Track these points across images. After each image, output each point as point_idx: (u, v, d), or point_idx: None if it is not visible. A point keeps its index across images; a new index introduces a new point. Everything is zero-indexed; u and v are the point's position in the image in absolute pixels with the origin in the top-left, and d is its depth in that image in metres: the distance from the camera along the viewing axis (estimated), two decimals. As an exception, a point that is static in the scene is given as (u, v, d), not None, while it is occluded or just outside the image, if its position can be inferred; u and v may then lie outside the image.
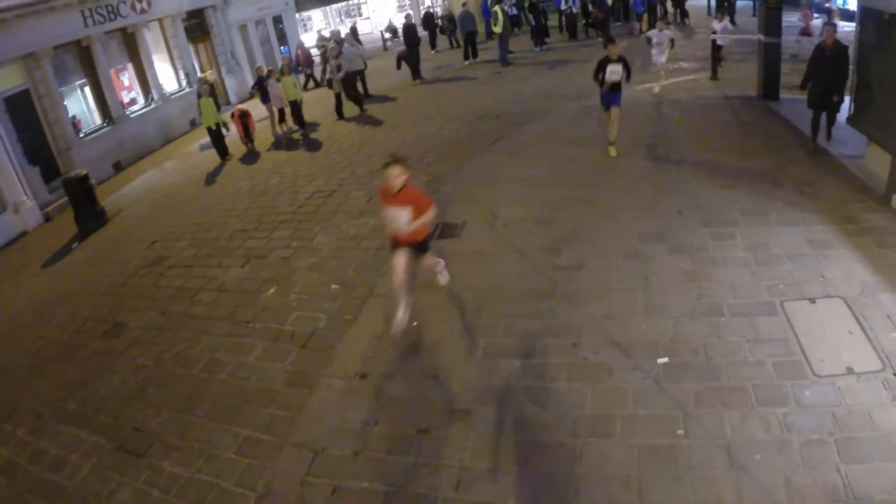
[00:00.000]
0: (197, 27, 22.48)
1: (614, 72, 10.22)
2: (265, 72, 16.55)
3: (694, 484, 4.36)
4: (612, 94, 10.40)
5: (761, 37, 12.77)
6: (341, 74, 17.09)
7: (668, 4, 26.26)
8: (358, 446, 5.31)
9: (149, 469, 5.63)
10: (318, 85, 23.48)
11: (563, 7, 24.40)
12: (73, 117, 16.77)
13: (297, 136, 16.48)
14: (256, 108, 17.50)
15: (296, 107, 16.30)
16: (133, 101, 19.07)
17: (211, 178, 14.57)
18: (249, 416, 6.02)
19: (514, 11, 24.98)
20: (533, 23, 23.45)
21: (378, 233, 9.31)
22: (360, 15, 44.92)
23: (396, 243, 6.64)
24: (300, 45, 27.03)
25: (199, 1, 21.92)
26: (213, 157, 15.85)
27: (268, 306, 7.97)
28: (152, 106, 19.42)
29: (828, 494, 4.09)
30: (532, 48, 23.28)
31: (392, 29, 35.54)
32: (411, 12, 29.07)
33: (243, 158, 15.59)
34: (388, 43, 32.96)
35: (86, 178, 12.98)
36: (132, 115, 18.47)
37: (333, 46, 18.17)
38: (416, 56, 20.99)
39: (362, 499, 4.78)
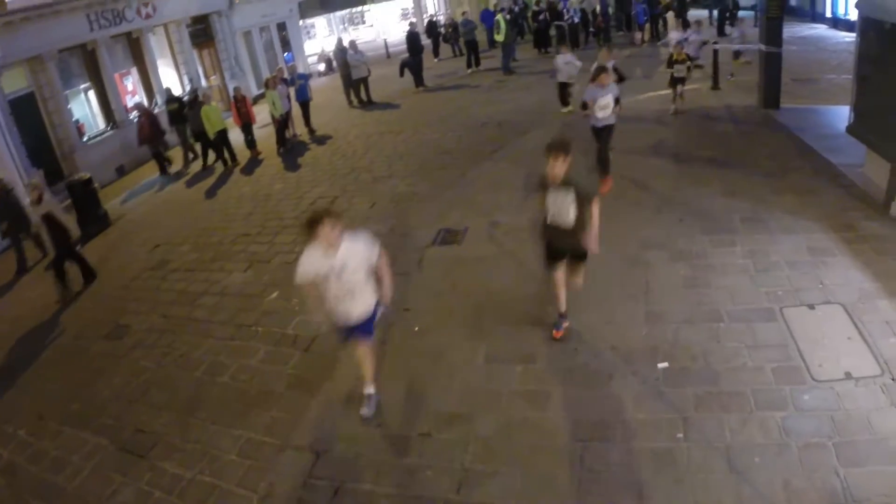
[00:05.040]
0: (202, 33, 22.57)
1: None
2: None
3: (693, 487, 4.38)
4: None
5: (762, 46, 12.85)
6: (43, 210, 9.76)
7: (670, 15, 26.46)
8: (360, 449, 5.34)
9: (151, 470, 5.66)
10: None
11: (564, 18, 24.62)
12: (77, 121, 16.87)
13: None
14: (261, 114, 17.65)
15: (283, 123, 16.16)
16: (137, 106, 19.08)
17: (214, 184, 14.62)
18: (251, 418, 6.05)
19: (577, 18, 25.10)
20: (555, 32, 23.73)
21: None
22: (364, 23, 45.05)
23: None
24: (139, 107, 16.84)
25: (204, 7, 22.01)
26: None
27: (270, 310, 8.02)
28: (156, 111, 19.46)
29: (826, 497, 4.12)
30: (536, 56, 23.54)
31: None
32: (415, 20, 29.19)
33: (246, 164, 15.65)
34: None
35: (89, 181, 13.03)
36: (136, 120, 18.52)
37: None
38: (420, 64, 21.10)
39: (364, 501, 4.80)
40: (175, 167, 16.67)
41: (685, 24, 23.40)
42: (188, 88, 20.37)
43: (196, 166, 16.37)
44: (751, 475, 4.39)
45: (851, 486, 4.17)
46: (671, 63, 13.59)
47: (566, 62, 14.38)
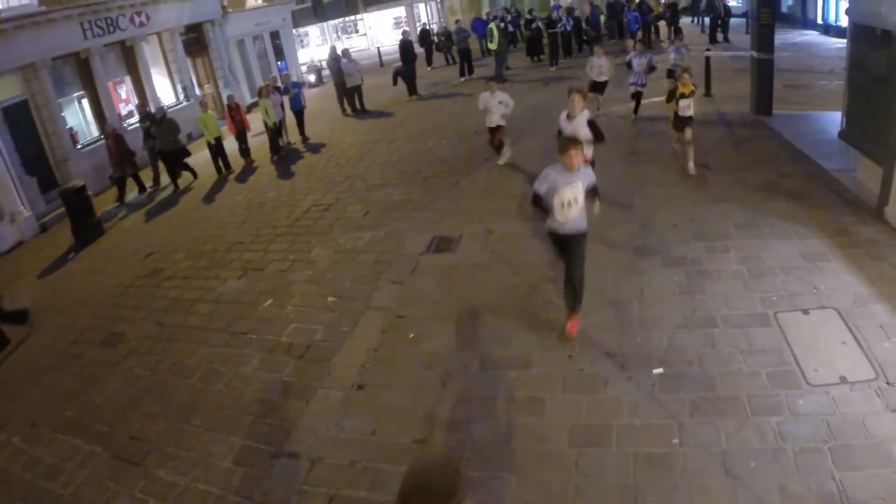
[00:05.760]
0: (195, 41, 22.61)
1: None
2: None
3: (690, 492, 4.38)
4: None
5: (754, 53, 12.92)
6: None
7: (662, 24, 26.63)
8: (355, 456, 5.31)
9: (145, 478, 5.62)
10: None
11: (557, 25, 24.74)
12: (71, 129, 16.84)
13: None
14: (255, 123, 17.63)
15: (276, 131, 16.27)
16: (130, 114, 19.09)
17: (208, 192, 14.61)
18: (246, 425, 6.02)
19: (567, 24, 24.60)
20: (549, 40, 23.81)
21: (374, 246, 9.37)
22: (357, 32, 45.16)
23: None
24: (111, 127, 15.72)
25: (197, 15, 22.04)
26: (210, 169, 15.87)
27: (265, 318, 7.99)
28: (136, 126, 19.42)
29: (823, 501, 4.12)
30: (529, 65, 23.64)
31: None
32: (408, 29, 29.29)
33: (240, 172, 15.65)
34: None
35: (83, 189, 13.00)
36: (129, 128, 18.48)
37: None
38: (413, 72, 21.14)
39: (359, 507, 4.78)
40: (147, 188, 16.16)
41: (677, 32, 23.59)
42: (181, 97, 20.38)
43: (167, 191, 15.67)
44: (747, 480, 4.38)
45: (847, 489, 4.17)
46: (672, 96, 10.09)
47: (499, 101, 11.48)
